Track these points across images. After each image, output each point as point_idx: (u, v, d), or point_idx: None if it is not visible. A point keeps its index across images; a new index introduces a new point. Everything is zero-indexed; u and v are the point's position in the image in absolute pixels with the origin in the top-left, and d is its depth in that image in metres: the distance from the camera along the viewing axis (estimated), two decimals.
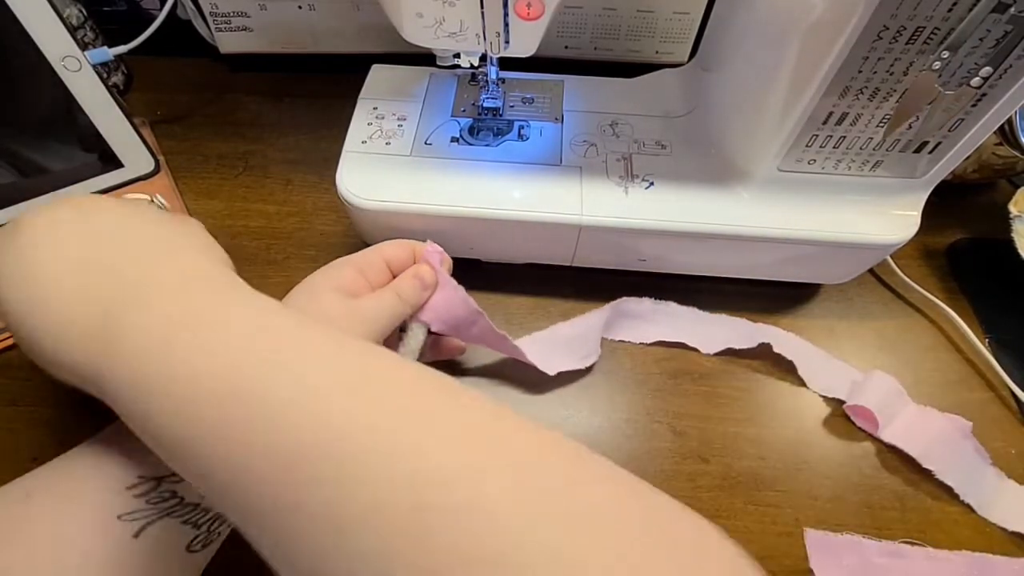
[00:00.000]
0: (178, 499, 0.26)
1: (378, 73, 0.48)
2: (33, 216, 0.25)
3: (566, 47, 0.58)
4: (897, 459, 0.38)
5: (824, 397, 0.41)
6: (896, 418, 0.39)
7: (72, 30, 0.42)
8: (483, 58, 0.41)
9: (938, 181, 0.38)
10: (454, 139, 0.43)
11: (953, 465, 0.37)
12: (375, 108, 0.45)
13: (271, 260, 0.46)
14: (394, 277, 0.36)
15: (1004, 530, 0.36)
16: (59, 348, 0.22)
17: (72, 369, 0.22)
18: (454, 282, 0.36)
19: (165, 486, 0.26)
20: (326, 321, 0.29)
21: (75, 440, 0.36)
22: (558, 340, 0.42)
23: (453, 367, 0.42)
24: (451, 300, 0.35)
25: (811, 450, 0.39)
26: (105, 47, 0.48)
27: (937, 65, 0.31)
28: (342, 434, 0.18)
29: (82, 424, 0.38)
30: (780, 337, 0.42)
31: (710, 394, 0.41)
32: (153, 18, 0.50)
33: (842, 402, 0.40)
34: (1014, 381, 0.41)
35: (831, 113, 0.34)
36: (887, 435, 0.38)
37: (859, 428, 0.40)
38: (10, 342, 0.40)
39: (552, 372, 0.40)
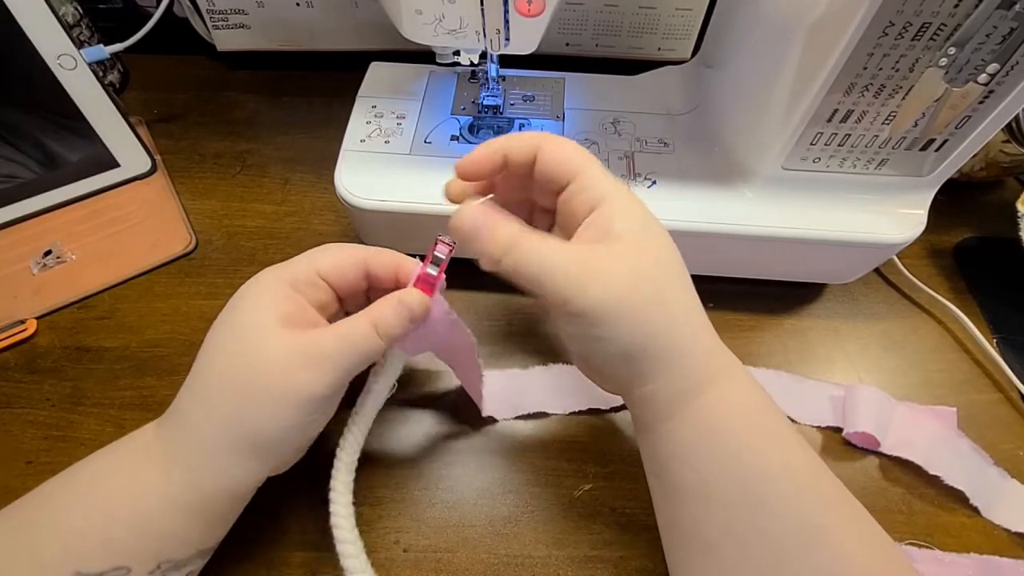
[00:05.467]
0: None
1: (377, 71, 0.47)
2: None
3: (567, 44, 0.58)
4: (901, 465, 0.38)
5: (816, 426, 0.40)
6: (891, 427, 0.38)
7: (68, 28, 0.42)
8: (483, 55, 0.40)
9: (945, 179, 0.38)
10: (454, 137, 0.43)
11: (957, 468, 0.37)
12: (374, 106, 0.44)
13: (269, 260, 0.45)
14: (335, 291, 0.30)
15: (1009, 532, 0.36)
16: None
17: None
18: (446, 305, 0.30)
19: None
20: (285, 371, 0.25)
21: (71, 442, 0.36)
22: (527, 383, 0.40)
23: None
24: (443, 327, 0.30)
25: None
26: (101, 45, 0.47)
27: (943, 62, 0.31)
28: (785, 488, 0.25)
29: (77, 427, 0.37)
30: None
31: None
32: (149, 16, 0.50)
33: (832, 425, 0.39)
34: (1022, 382, 0.41)
35: (836, 110, 0.34)
36: (887, 447, 0.38)
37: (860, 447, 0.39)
38: (8, 342, 0.40)
39: (484, 413, 0.38)
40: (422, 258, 0.29)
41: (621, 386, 0.29)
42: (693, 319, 0.27)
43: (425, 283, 0.28)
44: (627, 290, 0.25)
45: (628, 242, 0.26)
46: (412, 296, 0.28)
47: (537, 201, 0.31)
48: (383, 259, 0.30)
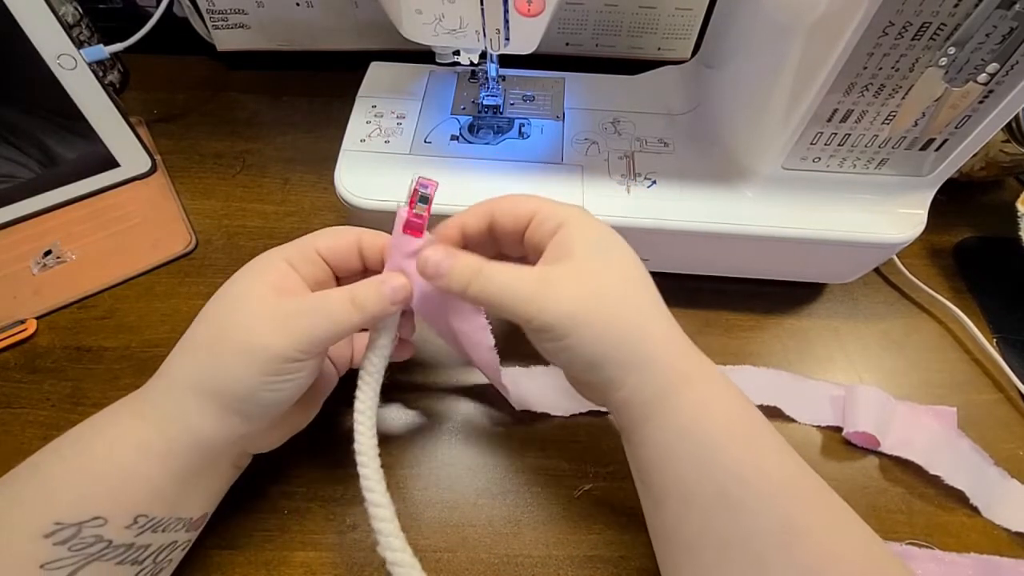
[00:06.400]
0: (105, 543, 0.25)
1: (377, 71, 0.47)
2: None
3: (567, 44, 0.58)
4: (901, 465, 0.38)
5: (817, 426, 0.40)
6: (891, 427, 0.38)
7: (67, 28, 0.42)
8: (483, 55, 0.40)
9: (945, 179, 0.38)
10: (454, 137, 0.43)
11: (957, 468, 0.37)
12: (374, 106, 0.44)
13: None
14: (333, 271, 0.31)
15: (1010, 532, 0.36)
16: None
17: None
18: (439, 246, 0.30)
19: (87, 531, 0.24)
20: (253, 327, 0.26)
21: None
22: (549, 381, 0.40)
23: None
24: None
25: (815, 469, 0.38)
26: (101, 45, 0.47)
27: (943, 61, 0.31)
28: (760, 489, 0.25)
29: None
30: (752, 379, 0.40)
31: None
32: (149, 15, 0.50)
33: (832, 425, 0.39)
34: (1022, 381, 0.41)
35: (836, 110, 0.34)
36: (887, 447, 0.38)
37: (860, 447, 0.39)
38: (8, 342, 0.40)
39: (519, 408, 0.38)
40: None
41: (599, 392, 0.30)
42: (657, 327, 0.28)
43: (413, 227, 0.29)
44: (584, 303, 0.27)
45: (583, 259, 0.27)
46: (395, 278, 0.28)
47: (510, 255, 0.33)
48: (374, 241, 0.31)
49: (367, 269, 0.32)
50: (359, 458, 0.29)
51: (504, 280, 0.27)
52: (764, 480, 0.25)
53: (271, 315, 0.27)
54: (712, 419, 0.26)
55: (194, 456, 0.27)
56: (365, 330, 0.34)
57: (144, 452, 0.26)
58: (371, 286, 0.28)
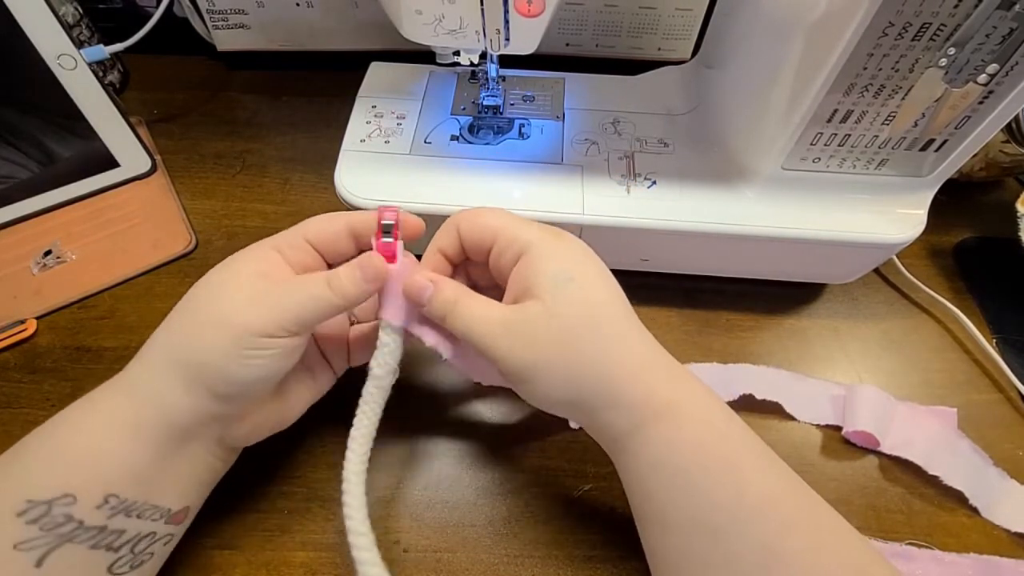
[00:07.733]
0: (76, 523, 0.24)
1: (377, 71, 0.47)
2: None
3: (567, 44, 0.58)
4: (901, 465, 0.38)
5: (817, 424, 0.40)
6: (891, 427, 0.38)
7: (68, 28, 0.42)
8: (483, 56, 0.40)
9: (945, 179, 0.38)
10: (454, 137, 0.43)
11: (956, 468, 0.37)
12: (374, 106, 0.44)
13: None
14: (324, 257, 0.31)
15: (1009, 532, 0.35)
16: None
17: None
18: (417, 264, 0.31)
19: (57, 510, 0.24)
20: (230, 302, 0.27)
21: None
22: None
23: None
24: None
25: (814, 468, 0.38)
26: (101, 45, 0.47)
27: (943, 62, 0.31)
28: (737, 515, 0.25)
29: None
30: (754, 376, 0.40)
31: None
32: (149, 16, 0.50)
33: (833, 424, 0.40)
34: (1022, 382, 0.41)
35: (836, 110, 0.34)
36: (887, 447, 0.38)
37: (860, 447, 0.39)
38: (8, 342, 0.40)
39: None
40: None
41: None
42: (626, 363, 0.27)
43: (385, 255, 0.29)
44: (544, 353, 0.27)
45: (545, 298, 0.27)
46: (366, 258, 0.29)
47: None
48: (364, 218, 0.31)
49: (360, 251, 0.32)
50: (345, 485, 0.30)
51: (471, 319, 0.28)
52: (741, 505, 0.25)
53: (249, 292, 0.27)
54: (683, 451, 0.26)
55: (162, 432, 0.27)
56: (355, 323, 0.35)
57: (112, 426, 0.26)
58: (344, 268, 0.28)
